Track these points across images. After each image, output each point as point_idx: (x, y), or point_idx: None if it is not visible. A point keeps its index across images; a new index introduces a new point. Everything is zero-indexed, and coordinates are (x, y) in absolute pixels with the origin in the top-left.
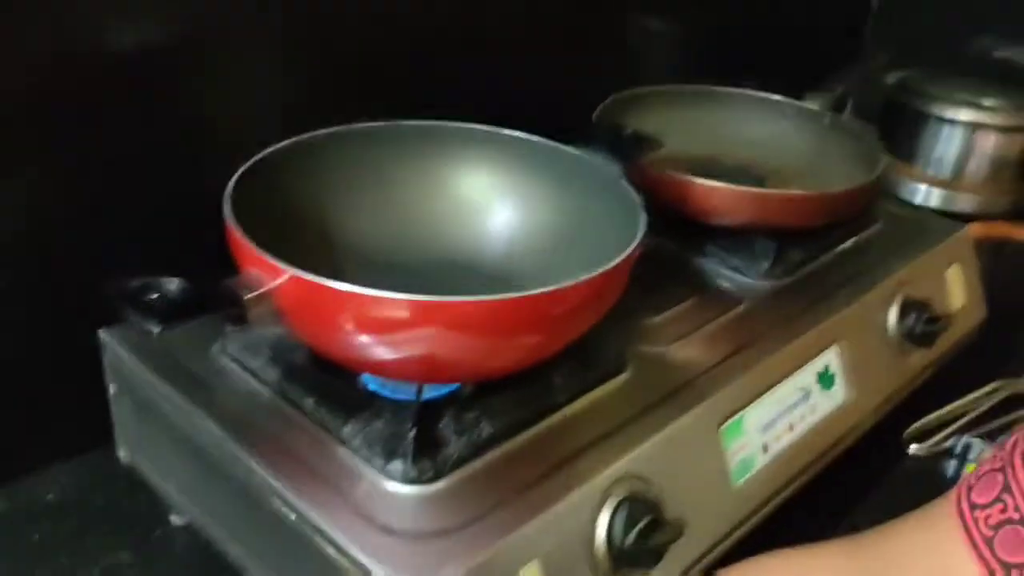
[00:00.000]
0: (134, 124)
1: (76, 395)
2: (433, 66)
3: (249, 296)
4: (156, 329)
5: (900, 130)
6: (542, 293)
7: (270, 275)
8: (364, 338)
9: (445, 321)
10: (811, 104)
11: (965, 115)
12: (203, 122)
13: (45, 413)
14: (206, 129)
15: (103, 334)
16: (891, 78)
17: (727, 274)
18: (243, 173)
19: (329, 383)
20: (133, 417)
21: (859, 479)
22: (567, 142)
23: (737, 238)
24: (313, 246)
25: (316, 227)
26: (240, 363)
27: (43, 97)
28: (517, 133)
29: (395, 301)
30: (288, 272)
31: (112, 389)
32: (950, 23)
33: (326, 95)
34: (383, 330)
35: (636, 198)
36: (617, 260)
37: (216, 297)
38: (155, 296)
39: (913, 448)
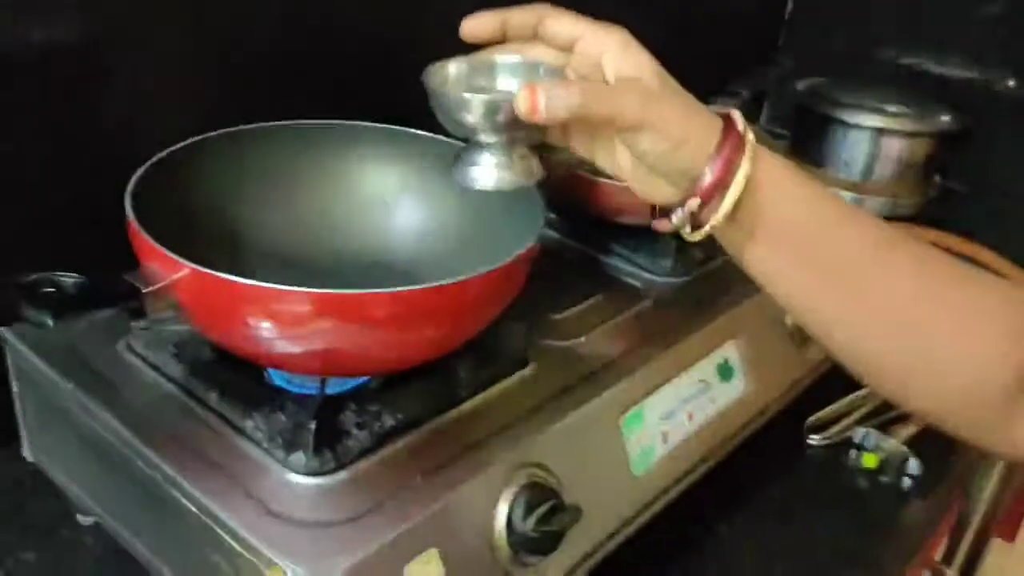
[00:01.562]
0: (39, 120)
1: None
2: (340, 65)
3: (148, 290)
4: (49, 322)
5: (811, 135)
6: (440, 286)
7: (169, 270)
8: (263, 332)
9: (344, 314)
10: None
11: (871, 121)
12: (109, 118)
13: None
14: (112, 126)
15: (5, 332)
16: (801, 85)
17: (632, 271)
18: (146, 170)
19: (234, 378)
20: (38, 416)
21: (761, 469)
22: None
23: (642, 236)
24: (218, 244)
25: (222, 225)
26: (145, 359)
27: None
28: (422, 132)
29: (293, 294)
30: (187, 267)
31: (16, 387)
32: (859, 31)
33: (234, 94)
34: (282, 324)
35: (537, 197)
36: (514, 255)
37: (115, 291)
38: (50, 290)
39: (814, 439)
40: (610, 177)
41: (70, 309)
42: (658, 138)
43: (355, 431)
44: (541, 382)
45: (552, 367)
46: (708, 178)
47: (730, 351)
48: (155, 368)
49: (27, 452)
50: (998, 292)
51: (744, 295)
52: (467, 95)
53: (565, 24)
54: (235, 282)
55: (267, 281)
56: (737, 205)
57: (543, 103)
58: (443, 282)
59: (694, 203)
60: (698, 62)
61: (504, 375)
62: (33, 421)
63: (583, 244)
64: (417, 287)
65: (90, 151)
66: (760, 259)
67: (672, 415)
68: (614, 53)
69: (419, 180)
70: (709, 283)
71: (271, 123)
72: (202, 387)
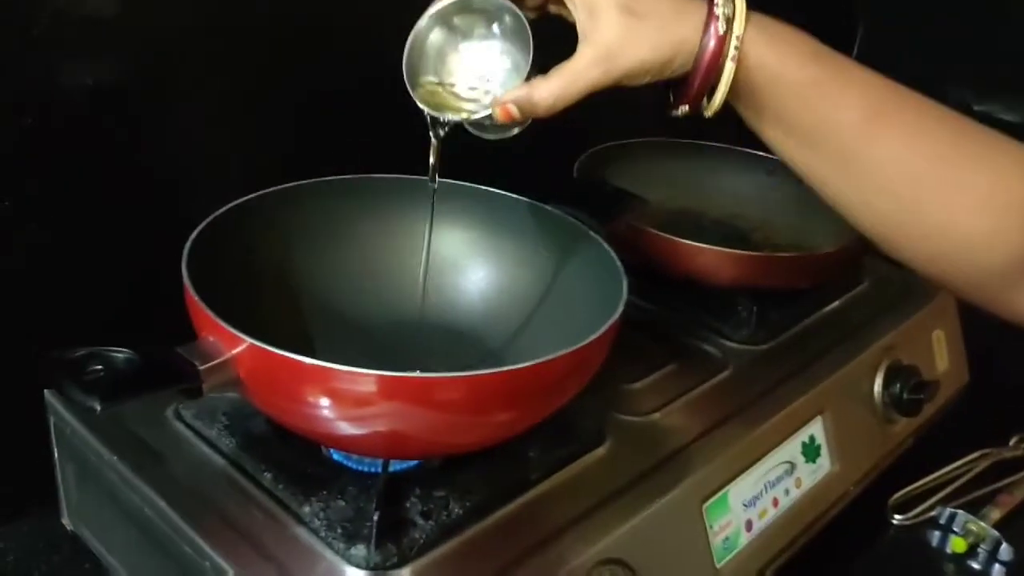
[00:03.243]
0: (86, 180)
1: (18, 455)
2: (406, 119)
3: (205, 366)
4: (98, 407)
5: None
6: (516, 369)
7: (228, 344)
8: (327, 413)
9: (412, 398)
10: None
11: None
12: (160, 177)
13: None
14: (163, 185)
15: (49, 396)
16: None
17: (708, 337)
18: (202, 231)
19: (289, 454)
20: (78, 483)
21: (843, 550)
22: (546, 198)
23: (719, 299)
24: (278, 306)
25: (281, 286)
26: (194, 430)
27: None
28: (493, 189)
29: (358, 376)
30: (247, 341)
31: (57, 453)
32: (929, 75)
33: (292, 148)
34: (347, 405)
35: (618, 263)
36: (599, 331)
37: (169, 368)
38: (99, 368)
39: (897, 518)
40: (685, 235)
41: (120, 392)
42: (640, 76)
43: (420, 520)
44: (617, 463)
45: (628, 445)
46: (697, 81)
47: (816, 428)
48: (205, 440)
49: (66, 519)
50: (992, 165)
51: (831, 366)
52: (444, 117)
53: None
54: (297, 360)
55: (330, 348)
56: (731, 91)
57: (516, 113)
58: (519, 365)
59: (684, 108)
60: None
61: (577, 455)
62: (73, 488)
63: (655, 306)
64: (491, 371)
65: (145, 211)
66: (763, 130)
67: (757, 500)
68: None
69: (489, 239)
70: (793, 351)
71: (331, 177)
72: (255, 464)
